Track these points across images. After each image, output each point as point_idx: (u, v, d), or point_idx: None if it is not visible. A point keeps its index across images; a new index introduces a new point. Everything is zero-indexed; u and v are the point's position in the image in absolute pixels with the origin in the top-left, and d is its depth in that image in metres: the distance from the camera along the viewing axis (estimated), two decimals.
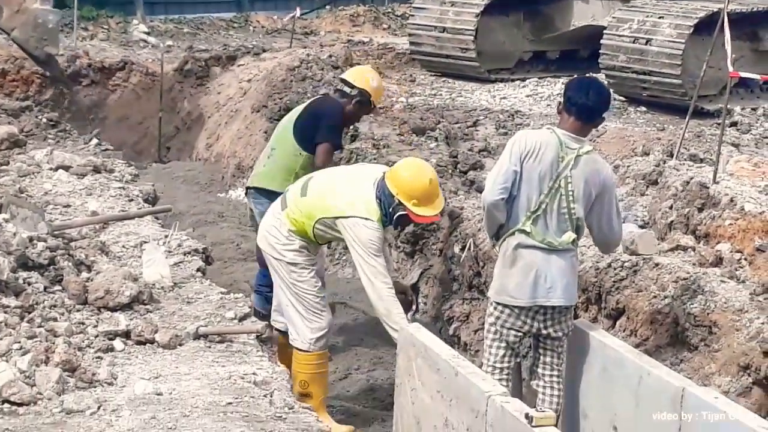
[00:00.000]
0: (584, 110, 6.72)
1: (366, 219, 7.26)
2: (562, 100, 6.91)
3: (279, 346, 8.05)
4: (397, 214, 7.25)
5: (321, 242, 7.68)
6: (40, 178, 10.21)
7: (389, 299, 7.29)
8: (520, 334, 6.89)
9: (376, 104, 8.94)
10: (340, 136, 9.11)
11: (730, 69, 9.47)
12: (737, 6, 12.64)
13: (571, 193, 6.68)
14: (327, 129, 8.71)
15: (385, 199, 7.27)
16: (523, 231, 6.74)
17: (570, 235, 6.74)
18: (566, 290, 6.81)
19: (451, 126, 12.27)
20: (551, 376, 7.06)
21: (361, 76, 8.82)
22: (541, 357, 7.05)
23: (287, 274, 7.57)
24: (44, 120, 14.02)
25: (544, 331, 6.89)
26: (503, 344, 6.93)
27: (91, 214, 9.14)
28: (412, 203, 7.21)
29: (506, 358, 6.96)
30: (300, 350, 7.63)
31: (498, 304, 6.89)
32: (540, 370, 7.07)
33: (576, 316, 8.09)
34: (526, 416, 5.51)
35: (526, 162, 6.65)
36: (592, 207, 6.78)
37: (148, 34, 18.37)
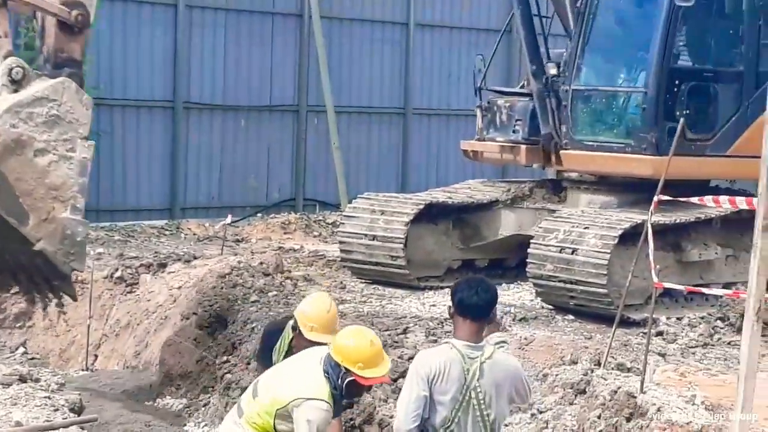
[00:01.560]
0: (477, 310, 6.79)
1: (317, 399, 7.31)
2: (451, 305, 6.97)
3: None
4: (346, 381, 7.33)
5: None
6: None
7: None
8: None
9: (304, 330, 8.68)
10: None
11: (655, 280, 9.63)
12: (661, 218, 12.87)
13: (482, 401, 6.69)
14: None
15: (332, 371, 7.37)
16: None
17: None
18: None
19: (381, 333, 12.28)
20: None
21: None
22: None
23: None
24: None
25: None
26: None
27: (15, 424, 9.00)
28: (358, 367, 7.29)
29: None
30: None
31: None
32: None
33: None
34: None
35: (434, 385, 6.67)
36: (504, 407, 6.80)
37: None
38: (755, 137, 9.21)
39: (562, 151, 14.48)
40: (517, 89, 16.40)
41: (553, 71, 14.53)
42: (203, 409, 12.62)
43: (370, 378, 7.40)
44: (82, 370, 14.76)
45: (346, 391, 7.44)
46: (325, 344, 7.84)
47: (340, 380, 7.38)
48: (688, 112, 13.71)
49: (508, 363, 6.99)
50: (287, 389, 7.47)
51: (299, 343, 8.67)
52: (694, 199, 9.99)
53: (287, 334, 8.87)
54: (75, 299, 12.02)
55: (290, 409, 7.42)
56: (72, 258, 10.71)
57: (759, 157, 6.25)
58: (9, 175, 9.92)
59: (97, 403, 12.25)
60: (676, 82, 13.77)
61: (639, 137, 13.71)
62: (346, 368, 7.34)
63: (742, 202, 8.80)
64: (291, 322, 8.80)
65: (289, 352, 8.73)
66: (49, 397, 9.90)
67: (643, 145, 13.70)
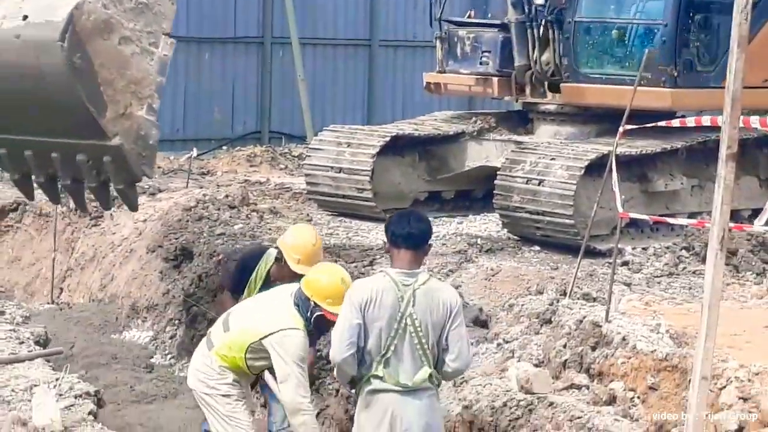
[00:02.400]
0: (410, 239, 6.86)
1: (292, 329, 7.46)
2: (386, 239, 7.05)
3: None
4: (315, 316, 7.47)
5: (254, 372, 7.78)
6: None
7: (308, 414, 7.51)
8: None
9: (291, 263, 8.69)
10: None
11: (620, 210, 9.67)
12: (627, 149, 12.90)
13: (419, 329, 6.76)
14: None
15: (302, 304, 7.53)
16: (376, 376, 6.80)
17: (426, 371, 6.79)
18: (424, 430, 6.82)
19: (347, 265, 12.30)
20: None
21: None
22: None
23: (222, 407, 7.68)
24: None
25: None
26: None
27: None
28: (327, 302, 7.43)
29: None
30: None
31: None
32: None
33: None
34: None
35: (367, 311, 6.75)
36: (441, 334, 6.83)
37: None
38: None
39: (562, 84, 14.28)
40: (480, 20, 16.27)
41: (539, 0, 14.36)
42: (170, 341, 12.65)
43: (337, 314, 7.40)
44: (48, 303, 14.73)
45: (314, 325, 7.56)
46: None
47: (309, 313, 7.50)
48: (698, 44, 13.71)
49: (445, 290, 7.07)
50: (261, 323, 7.59)
51: (280, 273, 8.70)
52: (662, 123, 10.02)
53: (265, 263, 8.89)
54: (135, 209, 11.36)
55: (265, 344, 7.49)
56: (143, 161, 9.89)
57: (752, 88, 6.26)
58: (94, 59, 9.30)
59: (63, 336, 12.26)
60: (691, 13, 13.73)
61: (658, 70, 13.57)
62: (315, 303, 7.47)
63: (707, 121, 8.83)
64: (274, 252, 8.81)
65: (266, 282, 8.76)
66: (14, 330, 9.90)
67: (662, 78, 13.61)
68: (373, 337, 6.78)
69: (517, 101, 15.81)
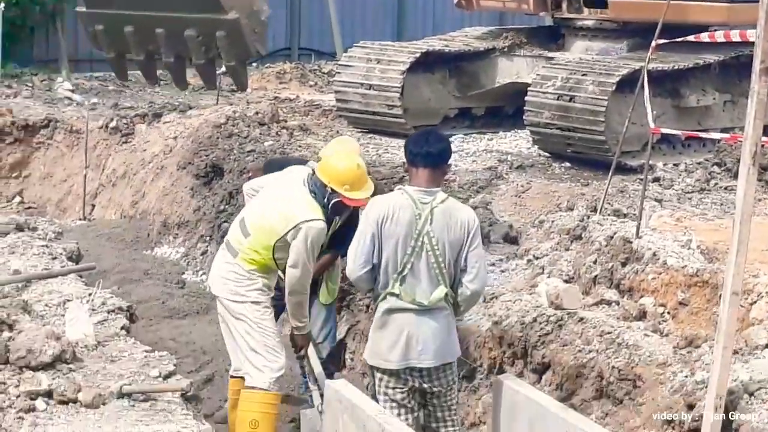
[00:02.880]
0: (428, 157, 6.85)
1: (313, 220, 7.54)
2: (405, 160, 7.06)
3: (231, 398, 8.20)
4: (332, 202, 7.59)
5: (283, 266, 7.81)
6: None
7: (305, 300, 7.75)
8: (405, 390, 6.94)
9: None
10: None
11: (652, 125, 9.61)
12: (659, 64, 12.80)
13: (436, 247, 6.76)
14: None
15: (318, 191, 7.61)
16: (392, 294, 6.81)
17: (442, 290, 6.80)
18: (439, 351, 6.87)
19: (377, 182, 12.29)
20: (445, 429, 7.10)
21: None
22: (432, 413, 7.12)
23: (251, 314, 7.76)
24: None
25: (425, 386, 6.95)
26: (394, 404, 6.97)
27: (13, 272, 9.05)
28: (344, 189, 7.56)
29: (402, 416, 6.96)
30: (257, 389, 7.75)
31: (373, 367, 6.95)
32: (434, 425, 7.11)
33: (502, 371, 8.13)
34: None
35: (384, 227, 6.76)
36: (459, 254, 6.84)
37: (72, 91, 18.28)
38: None
39: None
40: None
41: None
42: (201, 258, 12.72)
43: (355, 200, 7.65)
44: (80, 219, 14.83)
45: (331, 210, 7.68)
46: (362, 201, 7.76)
47: (327, 199, 7.61)
48: None
49: (462, 210, 7.04)
50: (281, 221, 7.64)
51: None
52: (691, 38, 9.90)
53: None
54: (245, 89, 11.31)
55: (288, 238, 7.57)
56: (256, 38, 9.78)
57: None
58: None
59: (95, 252, 12.33)
60: None
61: None
62: (333, 189, 7.57)
63: (735, 35, 8.73)
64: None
65: None
66: (46, 246, 9.95)
67: None
68: (389, 254, 6.79)
69: (552, 17, 15.65)
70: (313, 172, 7.71)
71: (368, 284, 6.90)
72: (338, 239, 8.29)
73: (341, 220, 8.19)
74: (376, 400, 7.06)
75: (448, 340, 6.95)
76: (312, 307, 8.63)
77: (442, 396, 7.03)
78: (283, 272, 7.84)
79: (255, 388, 7.76)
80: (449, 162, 7.11)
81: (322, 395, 7.85)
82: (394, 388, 6.93)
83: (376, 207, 6.88)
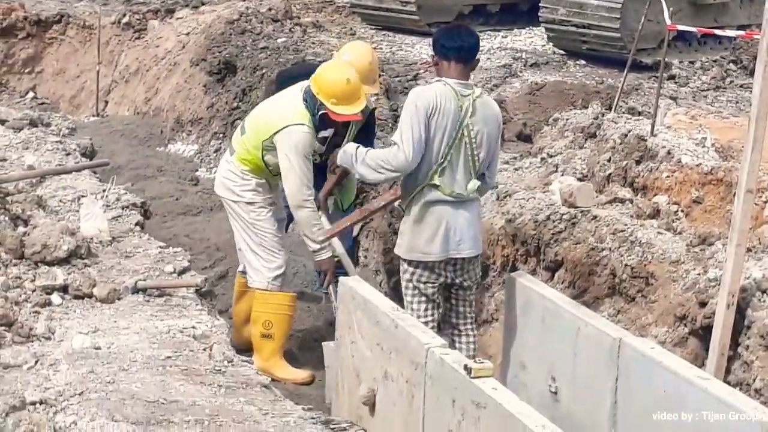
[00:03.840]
0: (462, 51, 6.88)
1: (298, 124, 7.58)
2: (434, 53, 7.05)
3: (237, 290, 8.34)
4: (320, 113, 7.61)
5: (275, 172, 7.83)
6: None
7: (313, 215, 7.71)
8: (436, 285, 7.02)
9: None
10: None
11: (668, 22, 9.52)
12: None
13: (474, 140, 6.85)
14: None
15: (309, 99, 7.64)
16: (432, 185, 6.85)
17: (475, 183, 6.92)
18: (474, 240, 7.02)
19: (391, 80, 12.26)
20: (465, 324, 7.28)
21: None
22: (454, 307, 7.24)
23: (246, 214, 7.86)
24: None
25: (457, 280, 7.06)
26: (423, 298, 7.07)
27: (27, 168, 9.06)
28: (331, 102, 7.55)
29: (429, 311, 7.09)
30: (260, 290, 7.87)
31: (410, 261, 6.98)
32: (454, 320, 7.25)
33: (515, 268, 8.16)
34: (465, 367, 5.55)
35: (433, 119, 6.76)
36: (490, 148, 6.97)
37: None
38: None
39: None
40: None
41: None
42: (214, 155, 12.71)
43: (340, 114, 7.63)
44: (93, 115, 14.82)
45: (319, 121, 7.68)
46: (348, 116, 7.80)
47: (316, 109, 7.62)
48: None
49: (494, 105, 7.16)
50: (270, 120, 7.72)
51: None
52: None
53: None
54: None
55: (275, 140, 7.61)
56: None
57: None
58: None
59: (108, 148, 12.36)
60: None
61: None
62: (321, 101, 7.57)
63: None
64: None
65: None
66: (60, 142, 9.95)
67: None
68: (433, 146, 6.81)
69: None
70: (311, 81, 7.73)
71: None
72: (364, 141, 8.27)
73: (352, 133, 8.13)
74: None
75: (479, 230, 7.11)
76: (329, 213, 8.62)
77: (468, 290, 7.15)
78: (274, 177, 7.89)
79: (258, 289, 7.88)
80: (477, 57, 7.15)
81: None
82: (425, 282, 6.99)
83: (424, 97, 6.82)
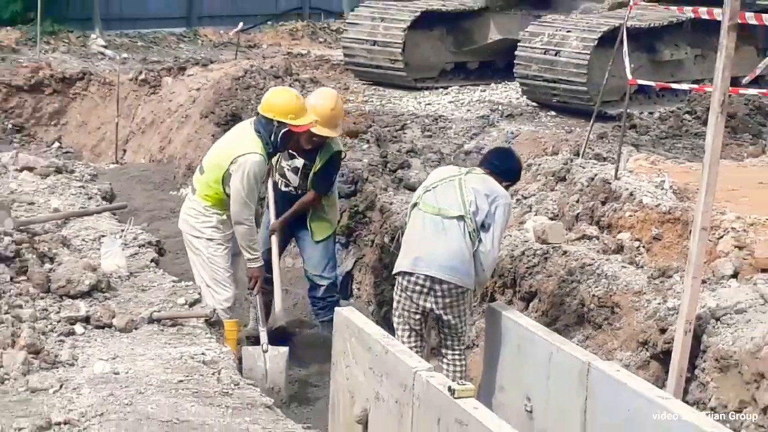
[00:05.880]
0: (497, 169, 7.26)
1: (251, 153, 7.60)
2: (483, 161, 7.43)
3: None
4: (281, 133, 7.64)
5: None
6: (6, 178, 10.09)
7: (250, 231, 7.79)
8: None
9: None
10: None
11: (630, 77, 9.57)
12: (636, 22, 12.73)
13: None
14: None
15: (263, 129, 7.66)
16: None
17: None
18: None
19: (381, 129, 12.28)
20: (453, 355, 7.21)
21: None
22: (443, 341, 7.21)
23: (204, 249, 7.92)
24: (10, 125, 13.85)
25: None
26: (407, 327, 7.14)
27: (53, 210, 9.05)
28: (289, 118, 7.62)
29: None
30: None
31: None
32: (443, 350, 7.23)
33: (493, 299, 8.15)
34: (449, 389, 5.54)
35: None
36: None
37: (105, 47, 18.18)
38: None
39: None
40: None
41: None
42: None
43: (300, 125, 7.71)
44: (112, 163, 14.81)
45: (281, 142, 7.71)
46: (326, 138, 7.94)
47: (273, 134, 7.64)
48: None
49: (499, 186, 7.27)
50: (226, 155, 7.73)
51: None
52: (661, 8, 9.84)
53: None
54: None
55: (231, 169, 7.65)
56: None
57: None
58: None
59: (126, 192, 12.32)
60: None
61: None
62: (279, 121, 7.61)
63: (704, 13, 8.67)
64: None
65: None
66: (83, 187, 9.94)
67: None
68: None
69: None
70: (257, 114, 7.78)
71: None
72: (319, 180, 8.32)
73: (321, 162, 8.23)
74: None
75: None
76: (306, 246, 8.64)
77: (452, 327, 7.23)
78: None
79: None
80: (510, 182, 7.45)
81: (269, 333, 8.03)
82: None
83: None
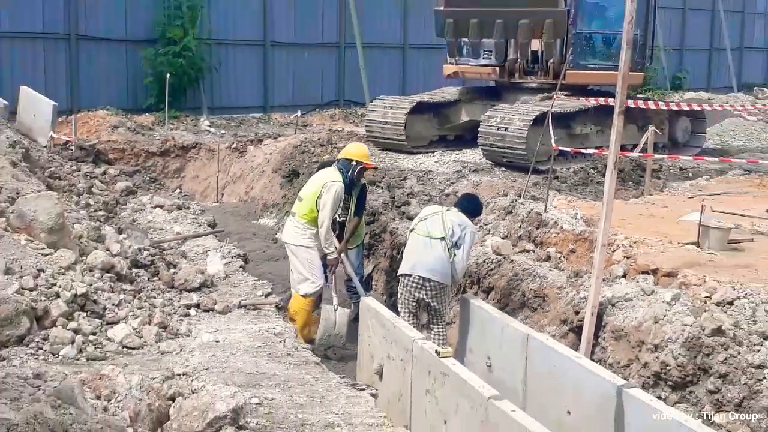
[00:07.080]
0: (462, 205, 7.34)
1: (334, 181, 7.74)
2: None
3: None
4: (358, 169, 7.80)
5: None
6: (144, 213, 10.16)
7: (329, 232, 7.72)
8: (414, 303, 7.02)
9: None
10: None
11: (554, 145, 9.57)
12: (558, 108, 12.73)
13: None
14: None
15: (344, 167, 7.80)
16: None
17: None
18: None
19: (390, 179, 12.29)
20: (437, 329, 7.19)
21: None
22: (430, 320, 7.19)
23: (304, 253, 7.80)
24: (148, 178, 13.83)
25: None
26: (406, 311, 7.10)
27: (176, 234, 9.09)
28: (364, 158, 7.87)
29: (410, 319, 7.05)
30: (300, 295, 7.80)
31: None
32: (431, 326, 7.20)
33: (464, 292, 8.13)
34: (436, 352, 5.52)
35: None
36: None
37: (210, 126, 18.24)
38: None
39: (568, 71, 13.27)
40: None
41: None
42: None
43: (371, 164, 7.92)
44: (214, 202, 14.81)
45: (357, 175, 7.83)
46: (374, 164, 8.13)
47: (352, 171, 7.75)
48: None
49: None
50: (318, 184, 7.80)
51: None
52: (573, 99, 9.78)
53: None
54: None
55: (322, 192, 7.68)
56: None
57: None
58: None
59: (223, 222, 12.33)
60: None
61: (634, 61, 12.96)
62: (357, 161, 7.76)
63: (602, 101, 8.67)
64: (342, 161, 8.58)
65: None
66: (195, 218, 9.99)
67: (638, 66, 13.36)
68: None
69: (496, 82, 15.39)
70: (339, 160, 7.89)
71: None
72: (359, 206, 8.34)
73: (356, 193, 8.17)
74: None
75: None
76: (352, 253, 8.62)
77: (435, 311, 7.15)
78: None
79: (300, 294, 7.80)
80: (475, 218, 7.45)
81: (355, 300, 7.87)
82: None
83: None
